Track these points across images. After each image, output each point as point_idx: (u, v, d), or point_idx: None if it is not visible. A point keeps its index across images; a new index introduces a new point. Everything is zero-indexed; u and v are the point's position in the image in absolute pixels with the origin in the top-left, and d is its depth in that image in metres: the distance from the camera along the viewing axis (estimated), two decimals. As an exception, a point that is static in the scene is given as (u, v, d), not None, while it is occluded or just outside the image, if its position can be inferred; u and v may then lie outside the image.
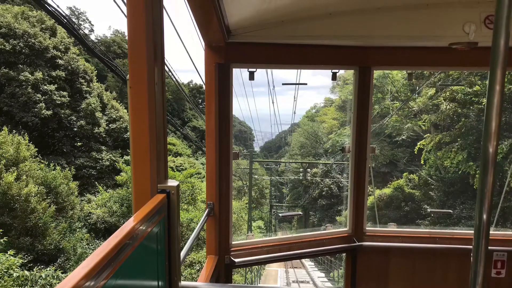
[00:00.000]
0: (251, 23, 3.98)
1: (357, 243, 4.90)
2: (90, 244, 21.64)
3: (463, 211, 29.10)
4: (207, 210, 4.25)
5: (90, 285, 1.22)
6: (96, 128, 33.34)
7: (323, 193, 45.75)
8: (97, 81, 36.93)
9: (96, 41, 53.15)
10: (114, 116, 35.71)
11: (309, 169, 46.52)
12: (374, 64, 4.62)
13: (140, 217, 1.74)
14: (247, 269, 22.49)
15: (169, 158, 36.62)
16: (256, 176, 49.82)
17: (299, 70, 12.89)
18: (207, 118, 4.22)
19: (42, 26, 32.59)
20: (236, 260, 4.45)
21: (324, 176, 46.55)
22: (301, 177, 46.48)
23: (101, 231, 24.53)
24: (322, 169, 47.62)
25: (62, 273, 14.68)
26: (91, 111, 33.15)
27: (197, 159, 47.50)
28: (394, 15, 3.99)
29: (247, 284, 21.44)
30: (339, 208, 43.25)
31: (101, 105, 34.96)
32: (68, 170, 25.53)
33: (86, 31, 58.78)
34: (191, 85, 70.16)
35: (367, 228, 4.99)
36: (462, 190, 30.72)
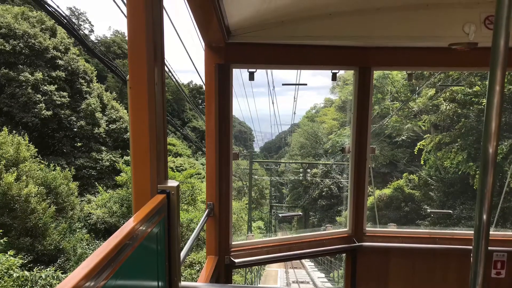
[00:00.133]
0: (251, 24, 3.98)
1: (357, 244, 4.90)
2: (90, 245, 21.63)
3: (463, 211, 29.10)
4: (207, 210, 4.25)
5: (90, 285, 1.22)
6: (96, 128, 33.33)
7: (323, 193, 45.75)
8: (97, 82, 36.93)
9: (96, 41, 53.20)
10: (114, 117, 35.70)
11: (309, 170, 46.48)
12: (374, 64, 4.62)
13: (140, 218, 1.74)
14: (247, 270, 22.48)
15: (169, 158, 36.61)
16: (256, 177, 49.83)
17: (299, 71, 12.93)
18: (207, 118, 4.22)
19: (42, 26, 32.60)
20: (236, 260, 4.45)
21: (324, 177, 46.54)
22: (301, 178, 46.44)
23: (101, 231, 24.53)
24: (322, 170, 47.62)
25: (62, 273, 14.66)
26: (91, 111, 33.14)
27: (197, 160, 47.50)
28: (394, 16, 3.99)
29: (247, 284, 21.44)
30: (339, 208, 43.24)
31: (101, 105, 34.96)
32: (68, 170, 25.52)
33: (86, 32, 58.90)
34: (191, 86, 70.19)
35: (367, 229, 4.99)
36: (462, 190, 30.72)
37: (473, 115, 27.72)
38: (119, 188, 27.07)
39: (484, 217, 1.51)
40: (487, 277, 4.73)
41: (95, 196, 28.90)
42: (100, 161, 32.29)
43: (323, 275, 28.26)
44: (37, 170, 21.86)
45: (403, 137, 37.24)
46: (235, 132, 75.23)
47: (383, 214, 31.88)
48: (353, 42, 4.34)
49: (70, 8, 60.21)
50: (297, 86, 25.91)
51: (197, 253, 19.13)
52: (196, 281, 3.75)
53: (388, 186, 35.76)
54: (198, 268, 17.73)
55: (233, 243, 4.55)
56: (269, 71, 21.38)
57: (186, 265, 17.99)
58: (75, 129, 32.01)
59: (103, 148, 33.42)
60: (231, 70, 4.26)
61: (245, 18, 3.90)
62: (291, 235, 4.98)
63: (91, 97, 34.04)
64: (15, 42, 29.82)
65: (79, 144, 32.11)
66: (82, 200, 27.59)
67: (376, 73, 32.66)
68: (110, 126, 34.87)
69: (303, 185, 50.42)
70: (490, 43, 1.43)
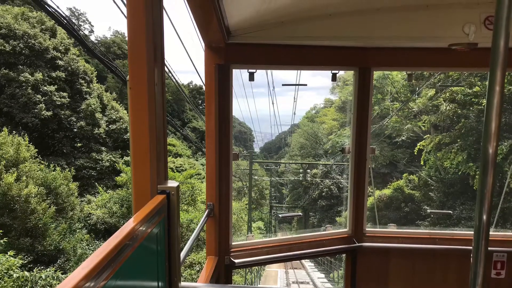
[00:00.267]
0: (251, 24, 3.98)
1: (357, 244, 4.90)
2: (90, 245, 21.61)
3: (463, 212, 29.11)
4: (207, 211, 4.25)
5: (90, 285, 1.22)
6: (96, 129, 33.33)
7: (323, 194, 45.76)
8: (97, 82, 36.94)
9: (96, 42, 53.20)
10: (114, 117, 35.70)
11: (309, 170, 46.53)
12: (374, 65, 4.62)
13: (140, 218, 1.74)
14: (247, 270, 22.48)
15: (169, 159, 36.60)
16: (256, 177, 49.81)
17: (299, 71, 12.92)
18: (207, 119, 4.22)
19: (42, 27, 32.61)
20: (236, 261, 4.45)
21: (324, 177, 46.55)
22: (301, 178, 46.50)
23: (101, 232, 24.52)
24: (322, 170, 47.62)
25: (62, 274, 14.65)
26: (91, 112, 33.15)
27: (197, 160, 47.50)
28: (394, 16, 3.99)
29: (247, 285, 21.43)
30: (339, 209, 43.24)
31: (101, 106, 34.96)
32: (68, 171, 25.52)
33: (86, 32, 58.92)
34: (191, 86, 70.17)
35: (367, 229, 4.99)
36: (462, 191, 30.73)
37: (473, 115, 27.74)
38: (119, 188, 27.06)
39: (484, 217, 1.51)
40: (487, 278, 4.73)
41: (95, 196, 28.89)
42: (100, 162, 32.29)
43: (323, 275, 28.25)
44: (37, 171, 21.85)
45: (403, 138, 37.26)
46: (235, 133, 75.24)
47: (383, 215, 31.87)
48: (353, 42, 4.34)
49: (70, 9, 60.28)
50: (297, 86, 25.82)
51: (197, 254, 19.13)
52: (196, 282, 3.75)
53: (388, 186, 35.75)
54: (198, 269, 17.73)
55: (233, 243, 4.55)
56: (269, 71, 21.37)
57: (186, 265, 17.98)
58: (75, 130, 32.01)
59: (103, 148, 33.42)
60: (231, 70, 4.26)
61: (245, 19, 3.90)
62: (291, 236, 4.97)
63: (91, 98, 34.04)
64: (15, 42, 29.83)
65: (79, 144, 32.12)
66: (82, 201, 27.59)
67: (376, 74, 32.68)
68: (110, 126, 34.87)
69: (303, 185, 50.44)
70: (490, 44, 1.43)
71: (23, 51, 30.14)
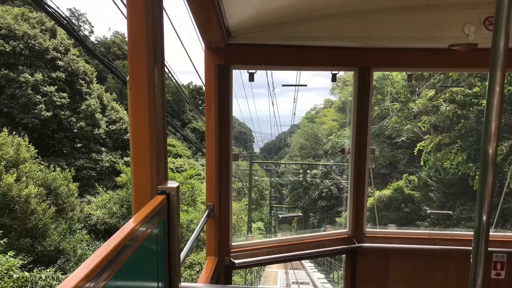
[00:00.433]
0: (251, 25, 3.98)
1: (357, 245, 4.90)
2: (90, 245, 21.61)
3: (463, 212, 29.10)
4: (207, 211, 4.25)
5: (90, 286, 1.21)
6: (96, 129, 33.33)
7: (323, 194, 45.75)
8: (97, 83, 36.93)
9: (96, 42, 53.21)
10: (114, 118, 35.69)
11: (309, 171, 46.50)
12: (374, 65, 4.62)
13: (140, 218, 1.74)
14: (247, 270, 22.47)
15: (169, 159, 36.60)
16: (256, 178, 49.78)
17: (299, 72, 12.92)
18: (207, 119, 4.22)
19: (42, 27, 32.62)
20: (236, 261, 4.45)
21: (324, 178, 46.55)
22: (301, 179, 46.45)
23: (101, 232, 24.51)
24: (322, 171, 47.61)
25: (62, 274, 14.65)
26: (91, 112, 33.14)
27: (197, 161, 47.48)
28: (394, 17, 3.99)
29: (247, 285, 21.43)
30: (339, 209, 43.24)
31: (101, 106, 34.96)
32: (68, 171, 25.50)
33: (86, 33, 58.93)
34: (191, 87, 70.12)
35: (367, 230, 5.00)
36: (461, 191, 30.72)
37: (473, 116, 27.74)
38: (119, 189, 27.06)
39: (484, 218, 1.51)
40: (487, 278, 4.73)
41: (95, 197, 28.88)
42: (100, 162, 32.28)
43: (323, 276, 28.22)
44: (37, 171, 21.85)
45: (403, 138, 37.28)
46: (235, 133, 75.24)
47: (383, 215, 31.86)
48: (353, 43, 4.35)
49: (70, 9, 60.29)
50: (297, 87, 25.83)
51: (197, 254, 19.13)
52: (196, 282, 3.75)
53: (388, 187, 35.75)
54: (198, 269, 17.73)
55: (233, 244, 4.55)
56: (269, 72, 21.38)
57: (186, 266, 17.98)
58: (75, 130, 32.01)
59: (103, 149, 33.41)
60: (231, 71, 4.26)
61: (245, 19, 3.90)
62: (291, 236, 4.97)
63: (91, 98, 34.04)
64: (15, 43, 29.82)
65: (79, 145, 32.11)
66: (82, 201, 27.57)
67: (376, 74, 32.69)
68: (110, 127, 34.86)
69: (303, 186, 50.44)
70: (490, 44, 1.43)
71: (23, 52, 30.14)
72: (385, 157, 40.35)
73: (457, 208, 29.63)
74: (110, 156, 33.08)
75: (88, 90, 34.42)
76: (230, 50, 4.15)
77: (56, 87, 31.31)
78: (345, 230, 5.02)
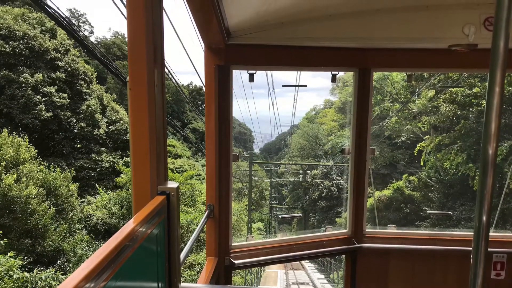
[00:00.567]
0: (251, 25, 3.98)
1: (357, 245, 4.90)
2: (90, 246, 21.62)
3: (463, 212, 29.08)
4: (207, 211, 4.25)
5: (90, 286, 1.22)
6: (96, 130, 33.33)
7: (323, 194, 45.74)
8: (97, 83, 36.94)
9: (96, 43, 53.21)
10: (114, 118, 35.69)
11: (308, 171, 46.49)
12: (373, 66, 4.62)
13: (140, 219, 1.74)
14: (247, 271, 22.48)
15: (169, 159, 36.60)
16: (256, 178, 49.77)
17: (299, 72, 12.92)
18: (207, 120, 4.22)
19: (42, 28, 32.63)
20: (236, 261, 4.44)
21: (323, 178, 46.53)
22: (300, 179, 46.46)
23: (101, 232, 24.53)
24: (322, 171, 47.60)
25: (62, 274, 14.65)
26: (91, 113, 33.15)
27: (197, 161, 47.46)
28: (394, 17, 3.99)
29: (247, 285, 21.42)
30: (338, 209, 43.23)
31: (101, 107, 34.97)
32: (68, 171, 25.52)
33: (86, 33, 58.90)
34: (191, 87, 70.06)
35: (366, 230, 4.99)
36: (461, 191, 30.71)
37: (472, 116, 27.73)
38: (119, 189, 27.06)
39: (484, 218, 1.51)
40: (487, 279, 4.73)
41: (95, 197, 28.89)
42: (100, 163, 32.27)
43: (323, 276, 28.22)
44: (37, 172, 21.86)
45: (403, 139, 37.25)
46: (235, 134, 75.23)
47: (382, 216, 31.85)
48: (353, 43, 4.35)
49: (70, 10, 60.29)
50: (297, 87, 25.85)
51: (197, 255, 19.13)
52: (196, 282, 3.75)
53: (388, 187, 35.74)
54: (198, 270, 17.73)
55: (233, 244, 4.55)
56: (269, 72, 21.39)
57: (186, 266, 17.99)
58: (75, 131, 32.01)
59: (103, 149, 33.40)
60: (231, 71, 4.26)
61: (245, 20, 3.90)
62: (291, 237, 4.97)
63: (91, 99, 34.05)
64: (15, 43, 29.84)
65: (79, 145, 32.10)
66: (82, 202, 27.57)
67: (376, 75, 32.63)
68: (110, 127, 34.87)
69: (303, 186, 50.44)
70: (490, 45, 1.43)
71: (23, 52, 30.16)
72: (385, 158, 40.34)
73: (457, 208, 29.61)
74: (110, 157, 33.08)
75: (88, 90, 34.43)
76: (230, 51, 4.15)
77: (56, 87, 31.33)
78: (345, 231, 5.01)
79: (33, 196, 19.50)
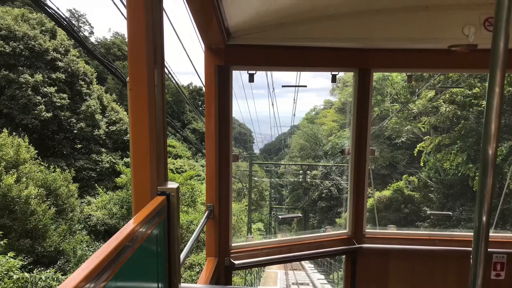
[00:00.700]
0: (251, 25, 3.98)
1: (357, 245, 4.90)
2: (90, 246, 21.62)
3: (463, 213, 29.09)
4: (207, 212, 4.25)
5: (90, 287, 1.21)
6: (96, 130, 33.35)
7: (323, 195, 45.76)
8: (97, 83, 36.95)
9: (96, 43, 53.20)
10: (114, 118, 35.71)
11: (308, 171, 46.49)
12: (373, 66, 4.62)
13: (140, 219, 1.74)
14: (247, 271, 22.47)
15: (169, 160, 36.59)
16: (255, 178, 49.78)
17: (299, 72, 12.91)
18: (207, 120, 4.22)
19: (42, 28, 32.64)
20: (236, 262, 4.44)
21: (323, 178, 46.55)
22: (300, 179, 46.44)
23: (101, 233, 24.53)
24: (322, 171, 47.62)
25: (62, 275, 14.64)
26: (91, 113, 33.16)
27: (197, 161, 47.45)
28: (394, 17, 3.99)
29: (247, 286, 21.42)
30: (338, 210, 43.24)
31: (101, 107, 34.99)
32: (68, 172, 25.52)
33: (86, 33, 58.88)
34: (191, 87, 70.05)
35: (366, 230, 4.99)
36: (461, 192, 30.71)
37: (472, 117, 27.73)
38: (119, 189, 27.06)
39: (484, 218, 1.51)
40: (487, 279, 4.73)
41: (95, 197, 28.89)
42: (100, 163, 32.29)
43: (322, 276, 28.22)
44: (37, 172, 21.86)
45: (403, 139, 37.27)
46: (235, 134, 75.25)
47: (382, 216, 31.86)
48: (353, 44, 4.34)
49: (70, 10, 60.27)
50: (297, 88, 25.84)
51: (197, 255, 19.13)
52: (196, 283, 3.74)
53: (388, 187, 35.76)
54: (198, 270, 17.73)
55: (233, 244, 4.55)
56: (269, 73, 21.36)
57: (186, 266, 17.98)
58: (75, 131, 32.02)
59: (103, 149, 33.42)
60: (231, 72, 4.26)
61: (245, 20, 3.90)
62: (290, 237, 4.97)
63: (91, 99, 34.06)
64: (15, 44, 29.86)
65: (79, 146, 32.12)
66: (82, 202, 27.58)
67: (376, 75, 32.63)
68: (110, 128, 34.88)
69: (303, 186, 50.46)
70: (490, 45, 1.43)
71: (23, 53, 30.17)
72: (385, 158, 40.36)
73: (457, 209, 29.62)
74: (110, 157, 33.09)
75: (88, 91, 34.44)
76: (230, 51, 4.15)
77: (56, 88, 31.34)
78: (345, 231, 5.01)
79: (33, 196, 19.49)
